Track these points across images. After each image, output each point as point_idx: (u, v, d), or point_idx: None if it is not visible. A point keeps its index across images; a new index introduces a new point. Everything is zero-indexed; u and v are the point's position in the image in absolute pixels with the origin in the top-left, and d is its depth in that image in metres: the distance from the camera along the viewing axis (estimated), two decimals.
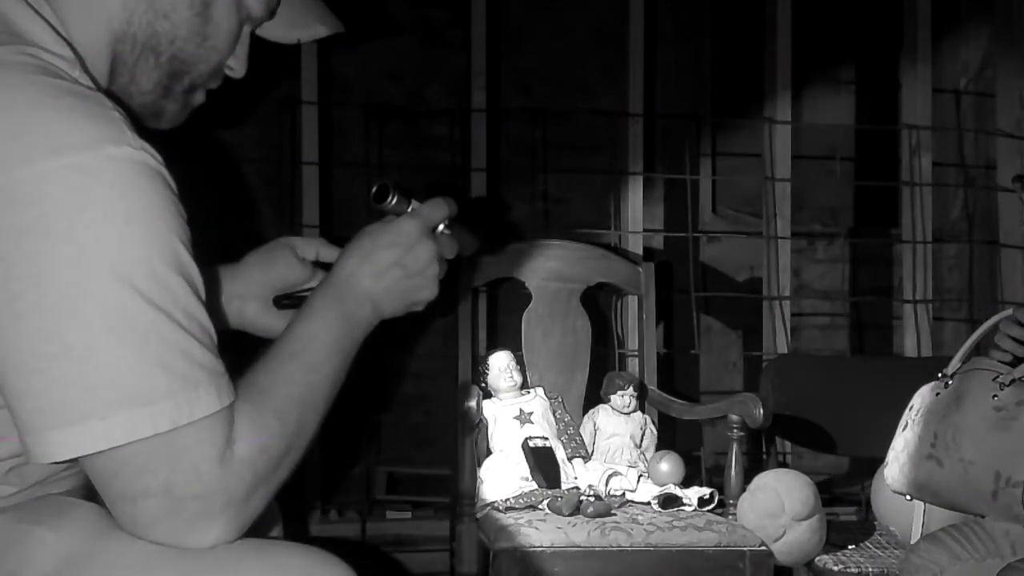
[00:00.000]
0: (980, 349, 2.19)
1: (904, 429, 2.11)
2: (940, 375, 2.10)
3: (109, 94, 1.09)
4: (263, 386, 1.06)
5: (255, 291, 1.39)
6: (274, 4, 1.20)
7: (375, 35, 3.55)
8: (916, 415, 2.10)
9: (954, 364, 2.09)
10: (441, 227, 1.23)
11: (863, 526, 2.64)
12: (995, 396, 1.97)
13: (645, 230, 3.25)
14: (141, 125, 1.13)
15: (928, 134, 3.37)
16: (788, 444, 3.13)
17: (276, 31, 1.24)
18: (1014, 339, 2.10)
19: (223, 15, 1.14)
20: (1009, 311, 2.14)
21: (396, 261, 1.17)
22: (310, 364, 1.10)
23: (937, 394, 2.08)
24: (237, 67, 1.20)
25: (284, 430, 1.05)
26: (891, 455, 2.13)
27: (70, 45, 1.07)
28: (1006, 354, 2.08)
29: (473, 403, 2.30)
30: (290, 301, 1.37)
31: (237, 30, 1.17)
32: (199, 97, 1.20)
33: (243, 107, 3.30)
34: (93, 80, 1.08)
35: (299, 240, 1.42)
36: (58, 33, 1.06)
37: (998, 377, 1.99)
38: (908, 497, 2.12)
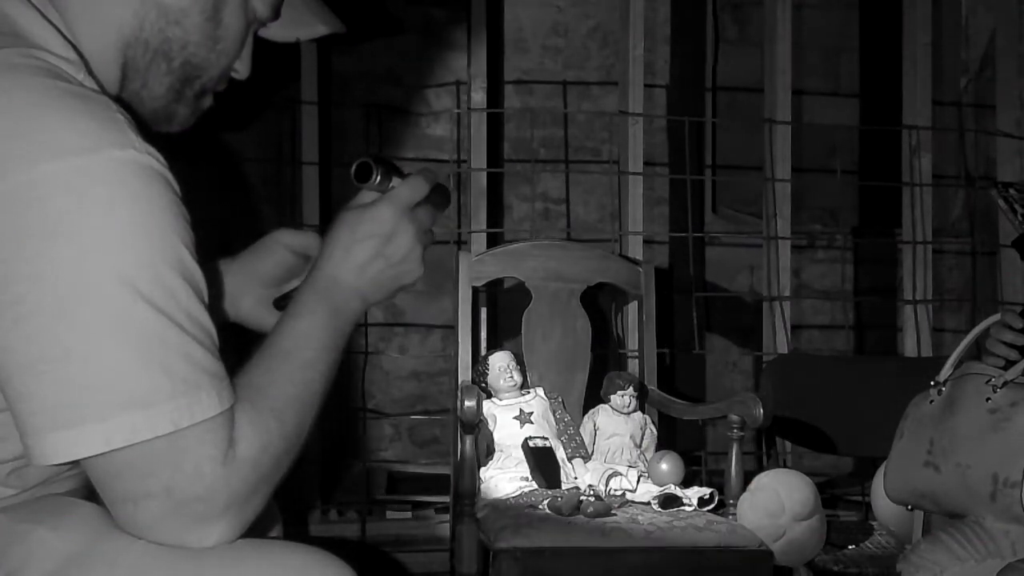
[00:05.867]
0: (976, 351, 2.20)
1: (900, 439, 2.12)
2: (932, 383, 2.10)
3: (119, 100, 1.09)
4: (259, 385, 1.06)
5: (250, 286, 1.39)
6: (279, 4, 1.20)
7: (375, 33, 3.55)
8: (910, 424, 2.10)
9: (946, 371, 2.10)
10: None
11: (863, 526, 2.64)
12: (988, 399, 1.98)
13: (645, 231, 3.25)
14: (146, 127, 1.13)
15: (928, 135, 3.37)
16: (788, 444, 3.13)
17: (276, 30, 1.24)
18: (1006, 343, 2.11)
19: (232, 19, 1.14)
20: (997, 316, 2.15)
21: (377, 252, 1.16)
22: (303, 362, 1.10)
23: (931, 401, 2.09)
24: (242, 69, 1.20)
25: (283, 429, 1.05)
26: (888, 465, 2.14)
27: (76, 48, 1.07)
28: (999, 359, 2.09)
29: (473, 403, 2.30)
30: (288, 303, 1.36)
31: (245, 32, 1.17)
32: (208, 100, 1.20)
33: (248, 109, 3.31)
34: (99, 84, 1.08)
35: (289, 233, 1.41)
36: (64, 36, 1.06)
37: (991, 380, 1.99)
38: (908, 507, 2.13)
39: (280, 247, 1.39)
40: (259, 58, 1.22)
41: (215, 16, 1.13)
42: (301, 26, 1.27)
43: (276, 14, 1.20)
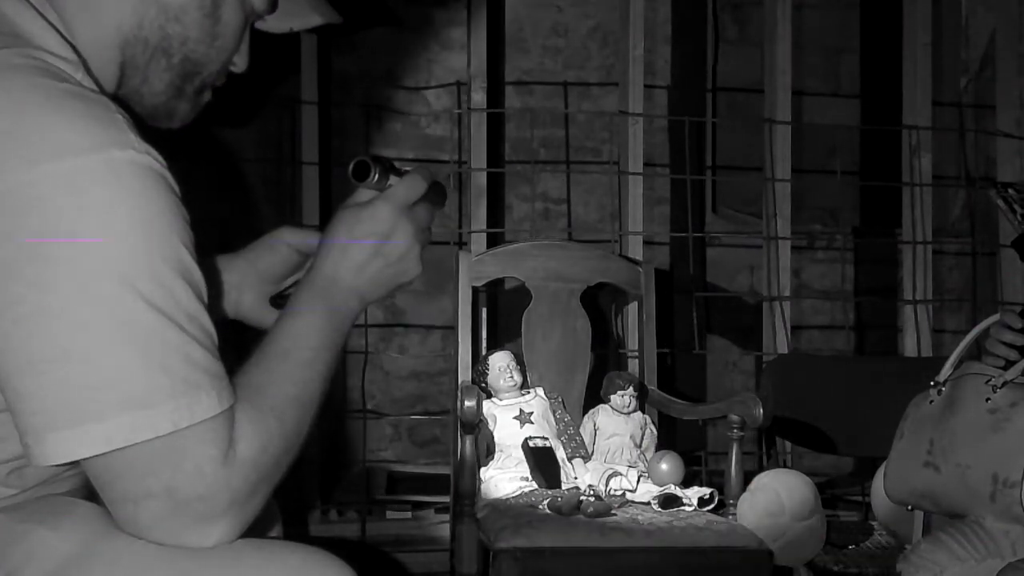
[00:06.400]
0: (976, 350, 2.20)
1: (900, 439, 2.12)
2: (932, 383, 2.10)
3: (116, 98, 1.09)
4: (258, 385, 1.06)
5: (251, 282, 1.39)
6: None
7: (372, 24, 3.55)
8: (910, 424, 2.10)
9: (946, 371, 2.10)
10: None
11: (863, 526, 2.64)
12: (988, 399, 1.98)
13: (645, 231, 3.25)
14: (145, 126, 1.13)
15: (928, 135, 3.37)
16: (788, 444, 3.13)
17: (271, 22, 1.24)
18: (1005, 343, 2.11)
19: (231, 14, 1.15)
20: (997, 316, 2.15)
21: (375, 251, 1.16)
22: (302, 361, 1.10)
23: (930, 402, 2.09)
24: (240, 62, 1.20)
25: (283, 429, 1.05)
26: (888, 465, 2.14)
27: (74, 48, 1.07)
28: (999, 359, 2.09)
29: (473, 403, 2.30)
30: (285, 301, 1.36)
31: (243, 26, 1.18)
32: (207, 95, 1.20)
33: (248, 108, 3.30)
34: (97, 83, 1.08)
35: (293, 231, 1.40)
36: (62, 36, 1.06)
37: (991, 380, 1.99)
38: (908, 507, 2.13)
39: (284, 245, 1.39)
40: (258, 54, 1.22)
41: (214, 12, 1.13)
42: (296, 17, 1.26)
43: (273, 7, 1.20)
